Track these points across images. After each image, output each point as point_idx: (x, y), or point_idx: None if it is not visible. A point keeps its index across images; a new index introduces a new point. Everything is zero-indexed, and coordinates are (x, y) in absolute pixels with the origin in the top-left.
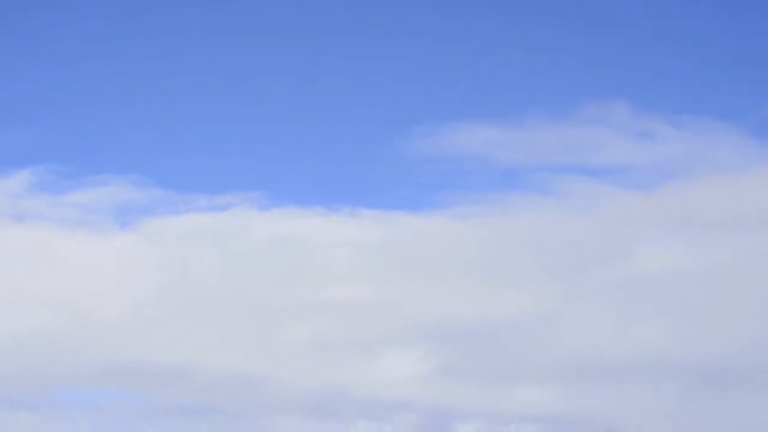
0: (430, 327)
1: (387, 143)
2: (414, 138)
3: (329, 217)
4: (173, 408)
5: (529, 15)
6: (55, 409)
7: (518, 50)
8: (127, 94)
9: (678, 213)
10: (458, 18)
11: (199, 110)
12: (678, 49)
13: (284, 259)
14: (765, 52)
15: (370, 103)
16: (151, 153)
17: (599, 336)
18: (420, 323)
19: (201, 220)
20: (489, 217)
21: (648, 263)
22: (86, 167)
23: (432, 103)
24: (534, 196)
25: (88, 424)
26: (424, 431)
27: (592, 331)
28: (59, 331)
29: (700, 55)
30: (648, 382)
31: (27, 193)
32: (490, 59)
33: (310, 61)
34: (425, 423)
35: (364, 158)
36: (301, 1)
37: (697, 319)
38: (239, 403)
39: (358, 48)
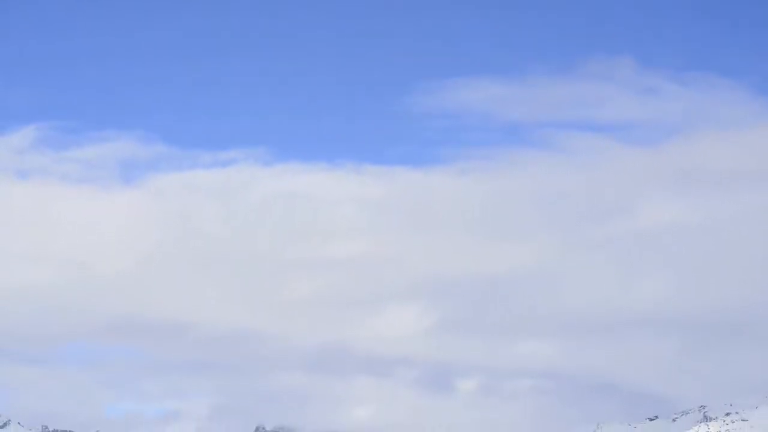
0: (432, 283)
1: (391, 99)
2: (418, 94)
3: (333, 172)
4: (175, 363)
5: None
6: (58, 363)
7: (522, 5)
8: (131, 51)
9: (681, 169)
10: None
11: (203, 67)
12: (684, 6)
13: (287, 216)
14: None
15: (374, 60)
16: (155, 109)
17: (600, 291)
18: (421, 279)
19: (205, 176)
20: (492, 172)
21: (650, 218)
22: (90, 123)
23: (436, 59)
24: (537, 152)
25: (90, 378)
26: (424, 386)
27: (593, 287)
28: (62, 286)
29: (706, 12)
30: (648, 337)
31: (31, 148)
32: (494, 15)
33: (314, 19)
34: (426, 378)
35: (367, 114)
36: None
37: (698, 274)
38: (241, 358)
39: (363, 6)
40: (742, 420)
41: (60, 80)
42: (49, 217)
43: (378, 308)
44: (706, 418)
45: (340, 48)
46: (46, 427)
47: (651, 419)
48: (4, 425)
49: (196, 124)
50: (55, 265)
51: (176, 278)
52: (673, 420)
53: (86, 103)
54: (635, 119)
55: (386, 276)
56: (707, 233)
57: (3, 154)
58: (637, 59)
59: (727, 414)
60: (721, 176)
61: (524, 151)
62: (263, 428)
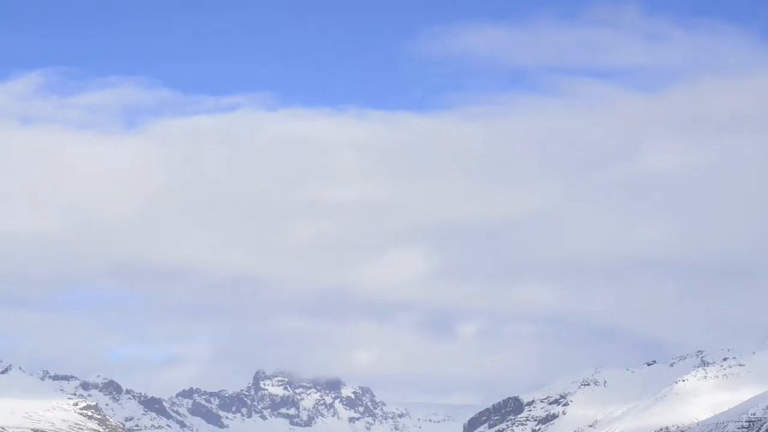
0: (433, 228)
1: (395, 44)
2: (422, 39)
3: (336, 117)
4: (178, 308)
5: None
6: (60, 308)
7: None
8: None
9: (684, 114)
10: None
11: (206, 12)
12: None
13: (290, 160)
14: None
15: (379, 5)
16: (158, 54)
17: (600, 236)
18: (422, 224)
19: (208, 121)
20: (495, 118)
21: (652, 164)
22: (94, 69)
23: (440, 4)
24: (541, 98)
25: (91, 323)
26: (425, 331)
27: (594, 231)
28: (64, 232)
29: None
30: (648, 282)
31: (34, 95)
32: None
33: None
34: (427, 322)
35: (371, 59)
36: None
37: (699, 220)
38: (243, 303)
39: None
40: (739, 365)
41: (64, 26)
42: (53, 163)
43: (379, 253)
44: (704, 363)
45: None
46: (47, 372)
47: (649, 364)
48: (5, 370)
49: (200, 69)
50: (58, 211)
51: (178, 223)
52: (671, 365)
53: (90, 48)
54: (639, 65)
55: (388, 221)
56: (709, 179)
57: (7, 100)
58: (641, 5)
59: (725, 359)
60: (724, 122)
61: (528, 97)
62: (263, 372)
